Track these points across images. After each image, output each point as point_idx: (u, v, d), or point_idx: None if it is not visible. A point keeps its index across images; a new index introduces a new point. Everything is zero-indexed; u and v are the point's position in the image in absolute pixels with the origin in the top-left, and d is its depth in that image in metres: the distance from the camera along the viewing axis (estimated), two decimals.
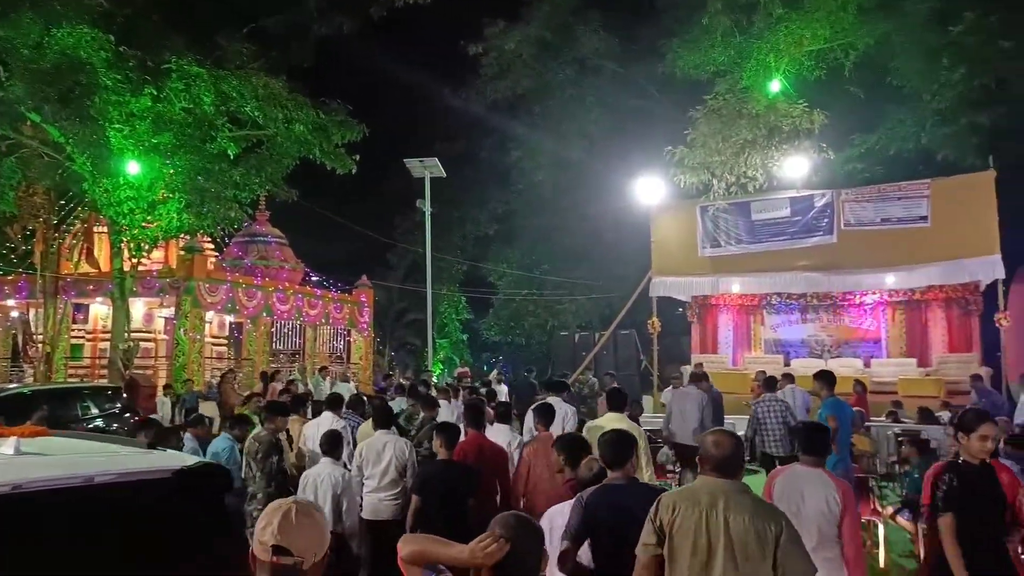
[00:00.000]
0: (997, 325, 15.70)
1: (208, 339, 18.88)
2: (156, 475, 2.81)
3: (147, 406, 13.70)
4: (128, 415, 11.76)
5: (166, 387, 15.41)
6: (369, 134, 17.22)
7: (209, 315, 18.69)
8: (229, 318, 19.97)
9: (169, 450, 3.71)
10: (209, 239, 18.20)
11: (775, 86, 17.35)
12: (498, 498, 5.58)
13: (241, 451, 6.64)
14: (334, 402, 7.78)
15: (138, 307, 18.35)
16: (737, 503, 3.00)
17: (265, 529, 1.89)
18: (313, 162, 17.43)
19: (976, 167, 16.76)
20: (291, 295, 20.03)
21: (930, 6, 16.71)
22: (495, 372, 20.91)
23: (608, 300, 23.39)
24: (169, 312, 18.35)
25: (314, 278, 22.58)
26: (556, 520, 3.80)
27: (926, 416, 11.86)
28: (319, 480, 5.51)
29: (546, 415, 6.00)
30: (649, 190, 17.98)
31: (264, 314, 19.45)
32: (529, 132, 22.96)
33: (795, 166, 16.17)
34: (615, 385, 8.70)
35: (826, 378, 7.00)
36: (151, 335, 18.95)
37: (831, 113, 15.97)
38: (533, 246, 24.92)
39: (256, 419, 8.39)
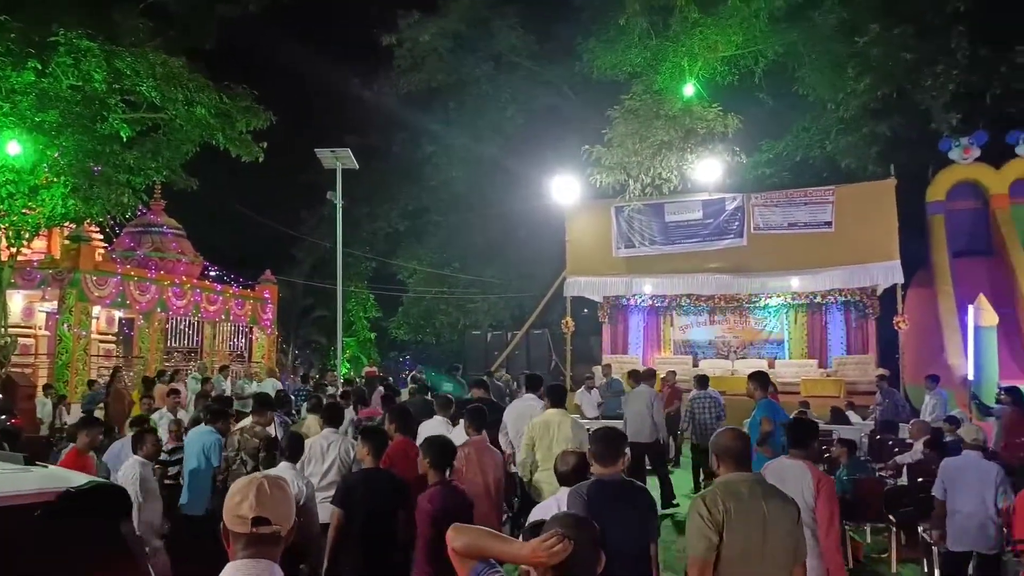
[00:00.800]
0: (896, 328, 16.34)
1: (95, 336, 17.57)
2: (33, 498, 2.30)
3: (26, 407, 12.58)
4: (3, 417, 10.72)
5: (46, 387, 14.20)
6: (276, 124, 16.41)
7: (96, 310, 17.38)
8: (119, 313, 18.65)
9: (52, 467, 3.15)
10: (98, 228, 16.93)
11: (689, 90, 17.55)
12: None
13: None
14: (265, 403, 7.21)
15: (16, 300, 16.88)
16: (768, 491, 3.31)
17: (242, 503, 1.99)
18: (216, 150, 16.43)
19: (877, 175, 17.43)
20: (188, 290, 18.91)
21: (837, 17, 17.24)
22: (416, 371, 20.39)
23: (520, 300, 23.18)
24: (52, 306, 16.98)
25: (214, 272, 21.39)
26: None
27: (838, 416, 12.12)
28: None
29: (478, 418, 5.61)
30: (565, 189, 17.87)
31: (158, 309, 18.28)
32: (443, 127, 22.47)
33: (708, 169, 16.37)
34: (555, 382, 8.49)
35: (760, 379, 6.91)
36: (31, 331, 17.48)
37: (741, 119, 16.24)
38: (445, 244, 24.43)
39: (152, 421, 7.72)
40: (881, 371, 17.26)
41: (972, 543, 5.39)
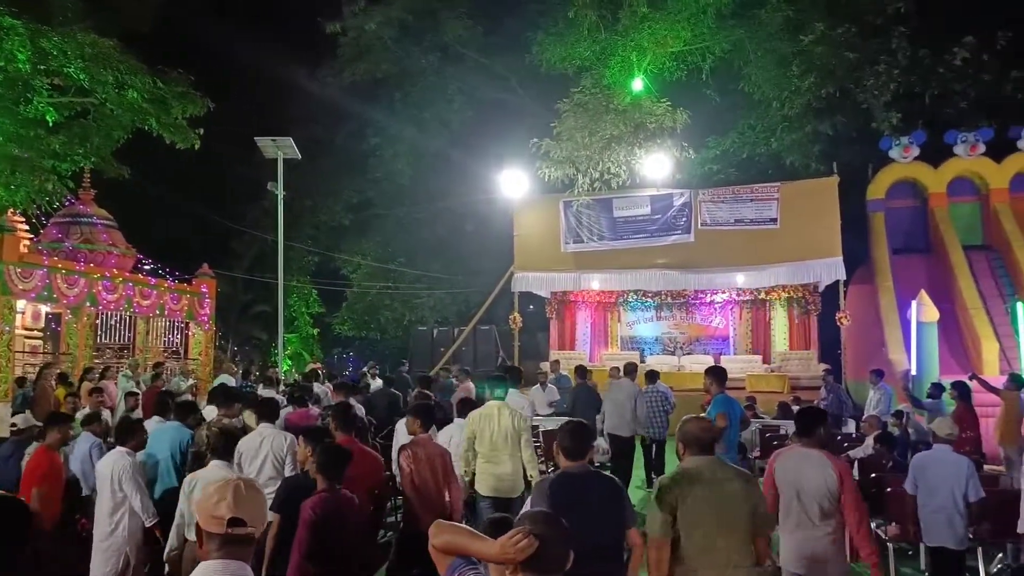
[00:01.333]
0: (838, 324, 16.56)
1: (20, 331, 16.65)
2: None
3: None
4: None
5: None
6: (215, 113, 15.80)
7: (21, 304, 16.48)
8: (45, 308, 17.73)
9: None
10: (22, 217, 16.05)
11: (638, 84, 17.50)
12: (371, 512, 4.88)
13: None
14: (230, 395, 6.91)
15: None
16: (729, 473, 3.61)
17: (219, 504, 2.05)
18: (151, 138, 15.78)
19: (820, 172, 17.65)
20: (120, 283, 18.04)
21: (783, 15, 17.38)
22: (368, 367, 19.91)
23: (467, 295, 22.89)
24: None
25: (148, 266, 20.53)
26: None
27: (785, 411, 12.17)
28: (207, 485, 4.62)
29: (426, 415, 5.33)
30: (513, 183, 17.67)
31: (87, 304, 17.41)
32: (388, 119, 21.98)
33: (657, 164, 16.33)
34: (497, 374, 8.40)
35: (717, 375, 6.78)
36: None
37: (690, 114, 16.24)
38: (390, 238, 23.95)
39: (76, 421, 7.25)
40: (825, 366, 17.56)
41: (939, 538, 5.36)
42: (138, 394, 10.13)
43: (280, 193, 14.39)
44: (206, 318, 21.37)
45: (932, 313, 13.01)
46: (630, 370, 10.61)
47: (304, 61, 21.98)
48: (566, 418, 7.92)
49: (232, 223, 23.31)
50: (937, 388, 11.96)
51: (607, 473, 3.94)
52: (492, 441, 6.21)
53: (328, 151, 23.54)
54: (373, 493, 5.05)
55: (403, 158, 22.05)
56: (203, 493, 2.12)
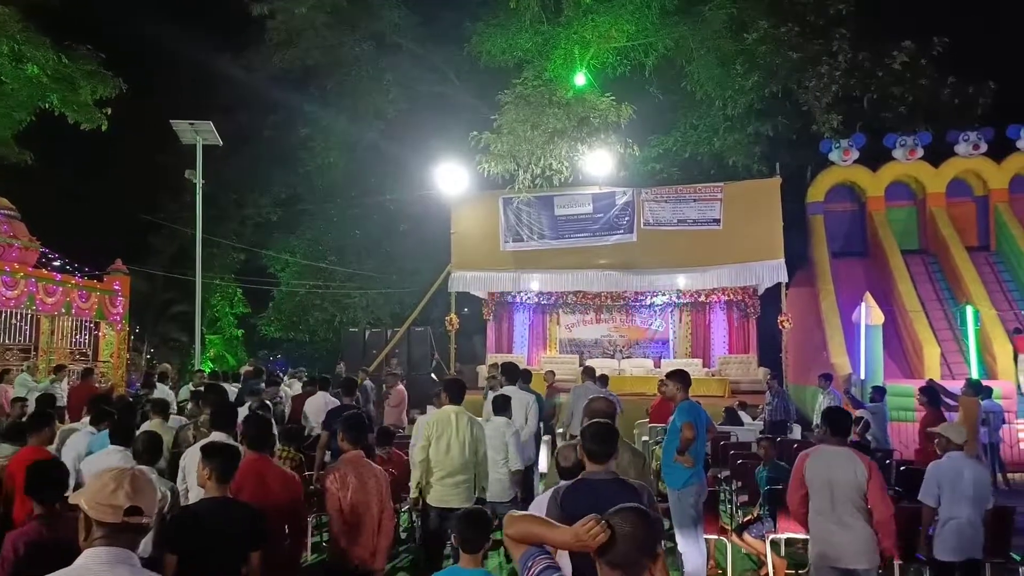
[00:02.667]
0: (780, 327, 16.33)
1: None
2: None
3: None
4: None
5: None
6: (133, 97, 14.64)
7: None
8: None
9: None
10: None
11: (580, 79, 17.00)
12: (288, 545, 4.08)
13: None
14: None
15: None
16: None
17: (116, 492, 2.06)
18: (58, 122, 14.53)
19: (762, 174, 17.45)
20: (21, 279, 16.62)
21: (727, 13, 17.10)
22: (291, 370, 18.84)
23: (402, 295, 21.98)
24: None
25: (55, 261, 19.03)
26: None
27: (731, 417, 11.75)
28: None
29: (356, 429, 4.55)
30: (450, 179, 16.88)
31: None
32: (319, 109, 20.89)
33: (600, 161, 15.79)
34: (452, 376, 8.47)
35: (682, 379, 6.18)
36: None
37: (635, 108, 15.77)
38: (321, 235, 22.82)
39: None
40: (766, 371, 17.34)
41: (970, 550, 4.96)
42: (26, 400, 9.02)
43: (199, 182, 13.33)
44: (119, 317, 19.95)
45: (878, 316, 12.81)
46: (589, 373, 10.72)
47: (230, 45, 20.76)
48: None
49: (150, 216, 21.86)
50: (879, 392, 11.76)
51: (635, 482, 3.65)
52: (448, 452, 5.85)
53: (255, 142, 22.31)
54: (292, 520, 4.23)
55: (335, 151, 21.02)
56: (96, 481, 2.11)
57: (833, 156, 18.01)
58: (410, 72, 20.34)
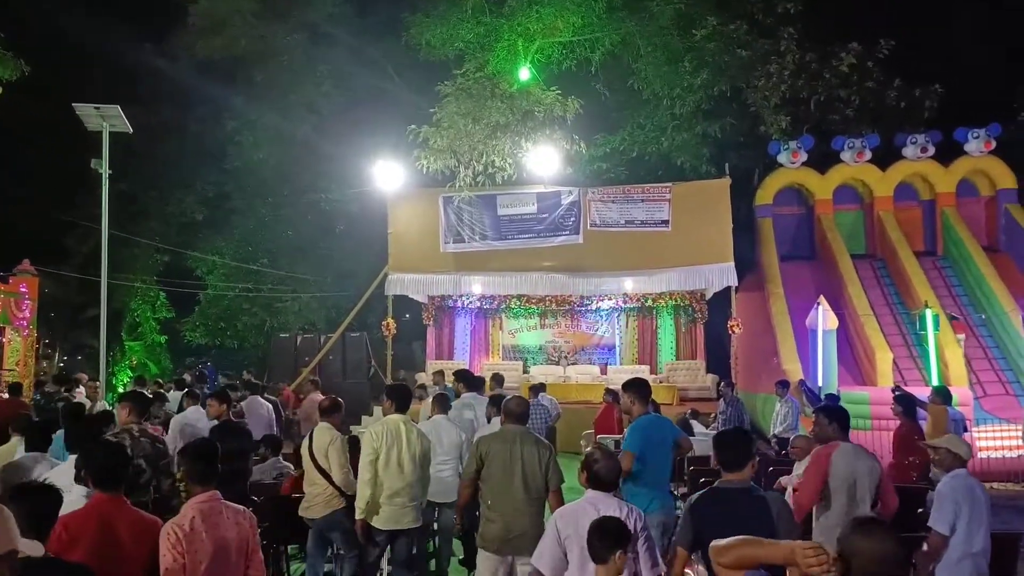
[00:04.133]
0: (730, 331, 15.81)
1: None
2: None
3: None
4: None
5: None
6: (44, 85, 13.37)
7: None
8: None
9: None
10: None
11: (524, 74, 16.25)
12: None
13: None
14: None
15: None
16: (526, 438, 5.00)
17: None
18: None
19: (711, 175, 16.97)
20: None
21: (674, 8, 16.58)
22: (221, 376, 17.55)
23: (337, 299, 20.88)
24: None
25: None
26: (581, 521, 3.53)
27: (684, 427, 11.04)
28: None
29: (204, 459, 3.40)
30: (388, 175, 15.94)
31: None
32: (248, 102, 19.66)
33: (545, 158, 15.05)
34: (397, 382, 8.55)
35: (638, 390, 5.39)
36: None
37: (582, 103, 15.07)
38: (250, 236, 21.52)
39: None
40: (716, 377, 16.85)
41: None
42: None
43: (105, 172, 12.10)
44: (25, 322, 18.40)
45: (833, 320, 12.34)
46: (541, 388, 11.25)
47: (150, 32, 19.40)
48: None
49: (62, 215, 20.30)
50: (834, 399, 11.31)
51: (769, 493, 3.72)
52: (399, 465, 5.34)
53: (180, 136, 20.95)
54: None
55: (264, 146, 19.81)
56: None
57: (781, 158, 17.62)
58: (345, 65, 19.29)
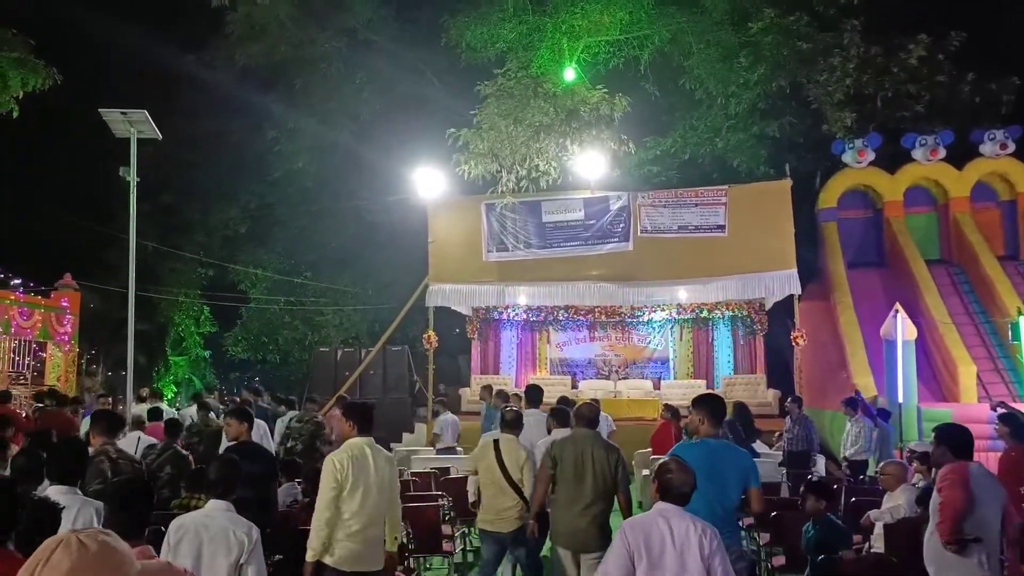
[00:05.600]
0: (793, 343, 14.69)
1: None
2: None
3: None
4: None
5: None
6: (85, 99, 13.16)
7: None
8: None
9: None
10: None
11: (569, 74, 15.49)
12: None
13: None
14: None
15: None
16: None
17: None
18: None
19: (770, 176, 15.94)
20: None
21: (728, 1, 15.69)
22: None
23: (378, 312, 20.29)
24: None
25: None
26: (650, 533, 3.43)
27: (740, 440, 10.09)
28: None
29: (132, 506, 2.76)
30: (428, 183, 15.29)
31: None
32: (287, 110, 19.29)
33: (592, 160, 14.21)
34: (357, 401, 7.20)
35: (709, 407, 4.53)
36: None
37: (631, 100, 14.21)
38: (292, 247, 21.17)
39: None
40: (775, 392, 15.77)
41: None
42: None
43: (133, 180, 11.70)
44: (66, 337, 18.28)
45: (912, 330, 11.22)
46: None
47: (190, 41, 19.15)
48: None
49: (104, 227, 20.17)
50: (884, 415, 10.43)
51: None
52: (366, 496, 4.64)
53: (220, 147, 20.68)
54: None
55: (305, 155, 19.38)
56: None
57: (846, 158, 16.50)
58: (385, 72, 18.77)
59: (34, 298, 17.51)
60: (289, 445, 11.00)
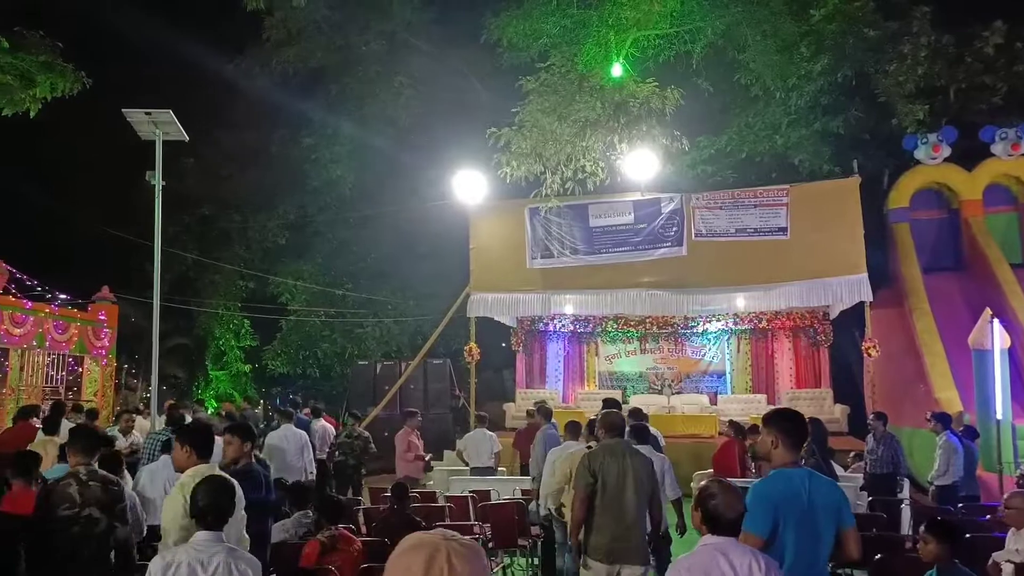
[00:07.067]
0: (865, 354, 13.50)
1: None
2: None
3: None
4: None
5: None
6: (117, 107, 12.75)
7: None
8: None
9: None
10: None
11: (617, 70, 14.57)
12: None
13: None
14: None
15: None
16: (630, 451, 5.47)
17: None
18: (34, 128, 12.76)
19: (834, 175, 14.84)
20: None
21: None
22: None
23: (420, 324, 19.61)
24: None
25: (39, 289, 17.13)
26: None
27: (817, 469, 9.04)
28: None
29: None
30: (469, 187, 14.55)
31: None
32: (326, 116, 18.80)
33: (642, 160, 13.28)
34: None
35: (787, 425, 3.55)
36: None
37: (683, 92, 13.24)
38: (331, 259, 20.64)
39: None
40: (843, 408, 14.61)
41: None
42: None
43: (158, 184, 11.16)
44: (104, 351, 17.90)
45: (1006, 338, 10.03)
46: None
47: (228, 51, 18.78)
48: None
49: (145, 239, 19.88)
50: (971, 432, 9.73)
51: None
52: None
53: (259, 157, 20.30)
54: None
55: (343, 162, 18.85)
56: None
57: (919, 154, 15.28)
58: (424, 74, 18.16)
59: (70, 311, 17.17)
60: (339, 459, 10.56)
